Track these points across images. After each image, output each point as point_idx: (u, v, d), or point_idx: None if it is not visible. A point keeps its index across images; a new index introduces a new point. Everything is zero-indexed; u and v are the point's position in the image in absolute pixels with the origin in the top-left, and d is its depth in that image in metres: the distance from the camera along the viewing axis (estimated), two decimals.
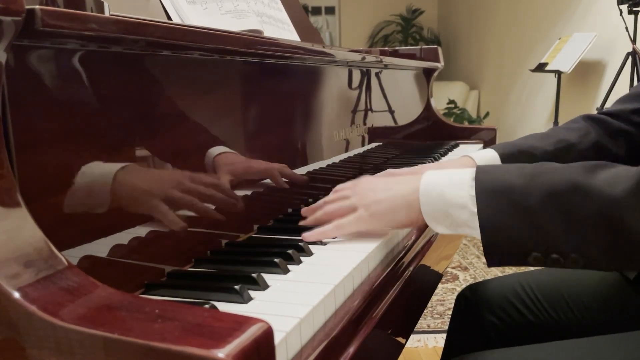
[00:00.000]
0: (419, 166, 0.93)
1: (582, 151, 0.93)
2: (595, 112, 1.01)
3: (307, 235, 0.68)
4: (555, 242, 0.57)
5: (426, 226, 0.83)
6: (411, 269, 0.70)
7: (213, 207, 0.68)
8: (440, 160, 1.32)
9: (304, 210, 0.76)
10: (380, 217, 0.68)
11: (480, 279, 1.06)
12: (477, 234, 0.60)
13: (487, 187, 0.60)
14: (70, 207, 0.49)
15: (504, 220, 0.58)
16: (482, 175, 0.61)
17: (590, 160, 0.61)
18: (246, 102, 0.78)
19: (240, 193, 0.74)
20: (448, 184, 0.63)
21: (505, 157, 0.93)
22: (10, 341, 0.36)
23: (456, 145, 1.53)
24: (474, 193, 0.60)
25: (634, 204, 0.54)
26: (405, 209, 0.67)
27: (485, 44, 5.62)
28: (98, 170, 0.52)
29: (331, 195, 0.75)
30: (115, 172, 0.54)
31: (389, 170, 0.87)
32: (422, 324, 2.05)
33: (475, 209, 0.59)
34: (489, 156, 0.94)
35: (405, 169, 0.87)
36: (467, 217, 0.61)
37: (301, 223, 0.74)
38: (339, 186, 0.77)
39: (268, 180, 0.81)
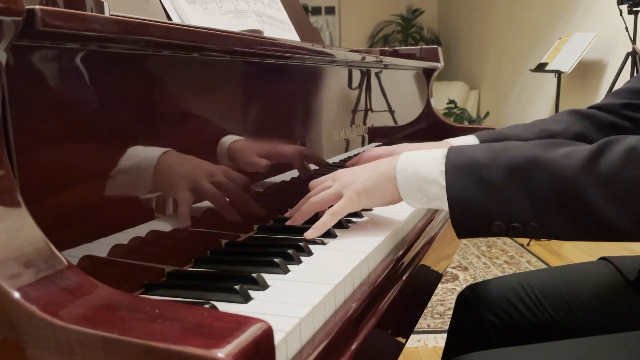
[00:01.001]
0: (396, 145, 0.97)
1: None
2: None
3: (307, 234, 0.69)
4: (516, 212, 0.61)
5: (425, 225, 0.83)
6: (411, 269, 0.69)
7: (222, 205, 0.68)
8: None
9: (290, 212, 0.78)
10: (367, 194, 0.72)
11: (480, 279, 1.06)
12: (446, 207, 0.65)
13: (455, 163, 0.65)
14: (71, 206, 0.49)
15: (469, 192, 0.63)
16: (452, 153, 0.66)
17: None
18: (246, 103, 0.78)
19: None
20: (422, 162, 0.68)
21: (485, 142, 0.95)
22: (10, 341, 0.36)
23: None
24: (444, 169, 0.65)
25: (586, 175, 0.58)
26: (390, 184, 0.71)
27: (485, 44, 5.62)
28: (98, 170, 0.52)
29: (312, 191, 0.77)
30: (119, 168, 0.54)
31: (367, 151, 0.94)
32: (422, 324, 2.05)
33: (444, 183, 0.65)
34: (469, 142, 0.97)
35: (382, 148, 0.94)
36: (438, 191, 0.66)
37: (288, 223, 0.76)
38: (314, 181, 0.80)
39: (268, 180, 0.81)
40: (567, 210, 0.60)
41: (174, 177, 0.62)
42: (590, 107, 0.99)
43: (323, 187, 0.76)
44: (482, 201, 0.62)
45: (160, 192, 0.59)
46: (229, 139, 0.72)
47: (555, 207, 0.60)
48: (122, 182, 0.54)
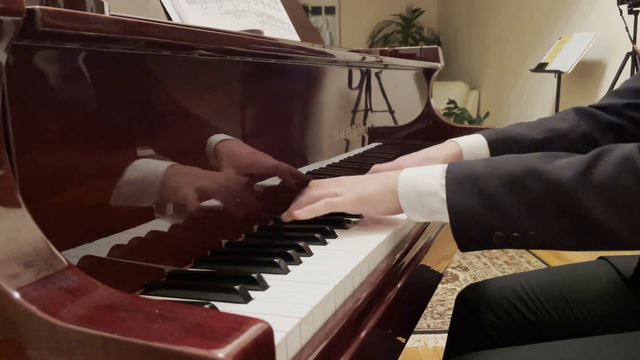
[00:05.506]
0: (400, 158, 0.97)
1: (571, 141, 0.94)
2: None
3: (298, 213, 0.71)
4: (515, 222, 0.62)
5: (425, 225, 0.83)
6: (411, 269, 0.70)
7: (225, 205, 0.68)
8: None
9: (285, 217, 0.78)
10: (369, 200, 0.73)
11: (480, 279, 1.05)
12: (447, 219, 0.65)
13: (455, 176, 0.66)
14: (71, 206, 0.49)
15: (469, 204, 0.64)
16: (452, 167, 0.67)
17: (578, 150, 0.65)
18: (246, 103, 0.78)
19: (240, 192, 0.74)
20: (421, 176, 0.69)
21: (493, 144, 0.96)
22: (10, 341, 0.36)
23: None
24: (444, 182, 0.66)
25: (582, 184, 0.59)
26: (390, 195, 0.72)
27: (485, 44, 5.62)
28: (98, 170, 0.52)
29: (313, 188, 0.78)
30: (119, 170, 0.54)
31: (375, 167, 0.95)
32: (422, 324, 2.05)
33: (444, 196, 0.65)
34: (475, 142, 0.96)
35: (386, 164, 0.94)
36: (438, 204, 0.66)
37: (284, 215, 0.77)
38: (315, 181, 0.81)
39: (268, 181, 0.81)
40: (565, 219, 0.60)
41: (176, 187, 0.62)
42: (592, 106, 0.99)
43: (326, 187, 0.77)
44: (482, 212, 0.63)
45: (161, 197, 0.59)
46: (220, 138, 0.72)
47: (553, 216, 0.61)
48: (122, 182, 0.54)
